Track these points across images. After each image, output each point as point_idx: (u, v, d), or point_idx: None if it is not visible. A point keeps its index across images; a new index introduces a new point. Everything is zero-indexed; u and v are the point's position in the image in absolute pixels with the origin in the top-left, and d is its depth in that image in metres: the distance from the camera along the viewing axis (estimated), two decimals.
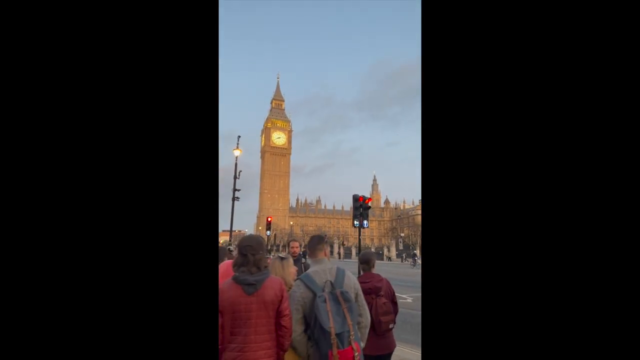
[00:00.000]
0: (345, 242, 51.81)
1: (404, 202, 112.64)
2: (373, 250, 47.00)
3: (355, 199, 11.47)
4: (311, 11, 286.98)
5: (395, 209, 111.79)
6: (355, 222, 11.42)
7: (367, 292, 2.48)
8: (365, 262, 2.82)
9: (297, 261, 3.83)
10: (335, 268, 2.02)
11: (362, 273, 2.83)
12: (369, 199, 11.64)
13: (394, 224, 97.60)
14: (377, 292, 2.58)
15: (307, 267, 3.99)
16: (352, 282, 2.00)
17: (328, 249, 2.20)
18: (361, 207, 11.42)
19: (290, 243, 4.23)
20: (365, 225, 11.48)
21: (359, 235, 11.76)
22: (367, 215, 11.64)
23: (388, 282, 2.75)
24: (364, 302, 2.05)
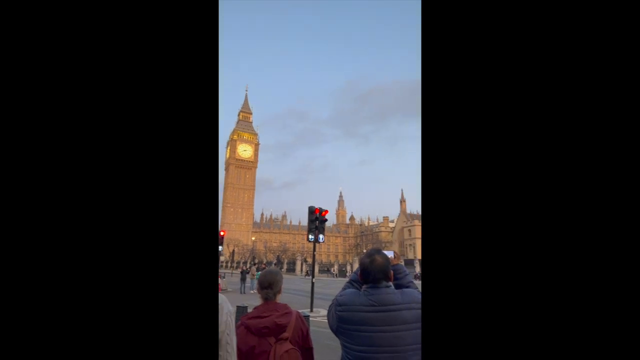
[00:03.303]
0: (308, 259, 50.47)
1: (369, 218, 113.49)
2: (336, 267, 45.58)
3: (311, 211, 10.70)
4: (286, 27, 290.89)
5: (360, 225, 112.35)
6: (310, 236, 10.62)
7: (261, 334, 1.63)
8: (268, 286, 1.76)
9: None
10: None
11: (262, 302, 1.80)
12: (325, 211, 10.89)
13: (358, 240, 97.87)
14: (279, 334, 1.64)
15: None
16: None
17: None
18: (317, 220, 10.65)
19: None
20: (320, 240, 10.71)
21: (314, 250, 10.92)
22: (324, 229, 10.89)
23: (299, 317, 1.76)
24: (233, 348, 1.23)
